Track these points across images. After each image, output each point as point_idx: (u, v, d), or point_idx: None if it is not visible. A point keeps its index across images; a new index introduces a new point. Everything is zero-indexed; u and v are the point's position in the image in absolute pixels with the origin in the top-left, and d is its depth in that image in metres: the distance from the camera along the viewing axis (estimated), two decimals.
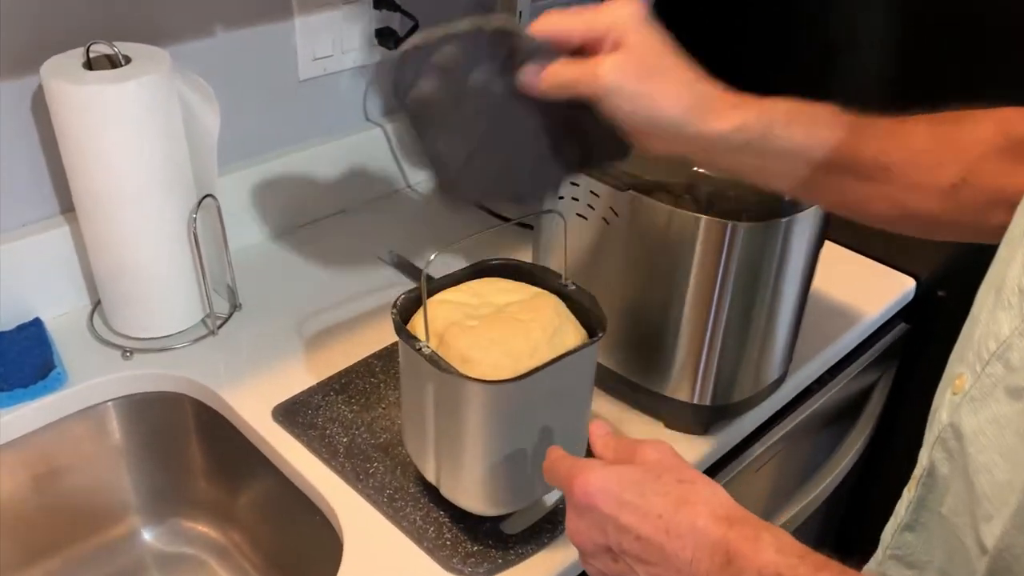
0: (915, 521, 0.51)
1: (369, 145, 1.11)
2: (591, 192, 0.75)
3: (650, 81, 0.54)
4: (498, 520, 0.69)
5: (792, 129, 0.56)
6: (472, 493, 0.66)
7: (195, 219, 0.84)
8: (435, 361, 0.61)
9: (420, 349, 0.62)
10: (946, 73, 0.97)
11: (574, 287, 0.69)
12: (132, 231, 0.81)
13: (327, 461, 0.74)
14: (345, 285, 0.98)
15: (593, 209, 0.75)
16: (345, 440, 0.76)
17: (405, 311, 0.66)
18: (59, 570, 0.88)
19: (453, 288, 0.69)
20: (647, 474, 0.49)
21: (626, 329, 0.78)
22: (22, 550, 0.86)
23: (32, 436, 0.81)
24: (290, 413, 0.79)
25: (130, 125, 0.76)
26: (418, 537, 0.67)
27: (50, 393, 0.81)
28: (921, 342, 1.07)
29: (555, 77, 0.55)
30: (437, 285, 0.69)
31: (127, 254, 0.82)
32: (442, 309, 0.65)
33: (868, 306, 0.99)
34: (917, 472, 0.51)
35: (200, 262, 0.86)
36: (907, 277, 1.04)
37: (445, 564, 0.65)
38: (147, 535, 0.93)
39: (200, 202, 0.84)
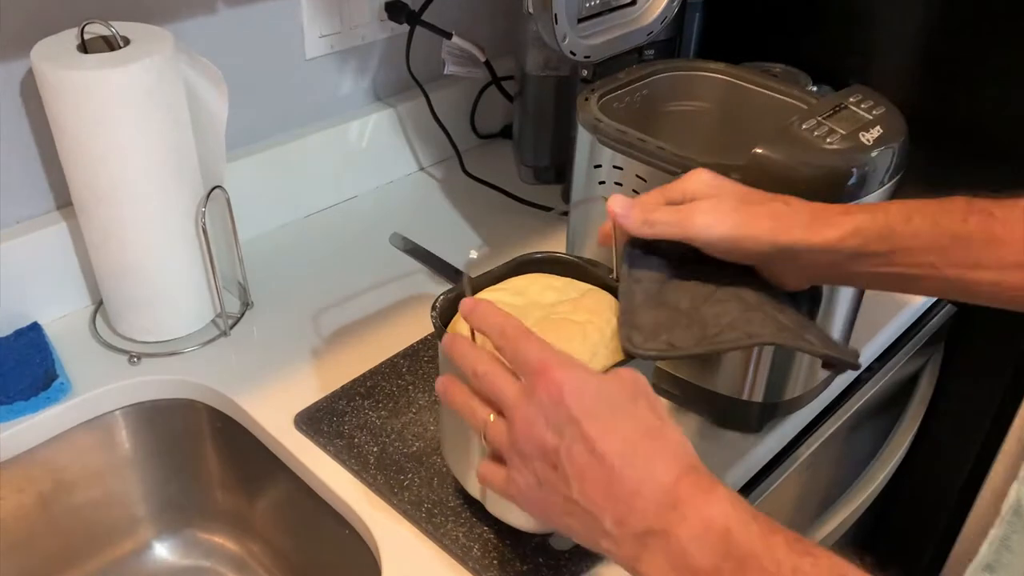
0: (996, 562, 0.47)
1: (380, 126, 1.05)
2: (637, 176, 0.69)
3: (742, 211, 0.57)
4: (546, 535, 0.63)
5: (914, 223, 0.55)
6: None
7: (204, 213, 0.78)
8: None
9: None
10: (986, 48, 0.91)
11: None
12: (136, 228, 0.75)
13: (357, 474, 0.69)
14: (360, 276, 0.92)
15: (638, 194, 0.69)
16: (375, 450, 0.71)
17: (445, 314, 0.61)
18: None
19: (494, 287, 0.63)
20: (623, 392, 0.47)
21: None
22: (29, 569, 0.81)
23: (35, 451, 0.76)
24: (314, 421, 0.73)
25: (132, 113, 0.70)
26: (462, 556, 0.62)
27: (53, 404, 0.75)
28: (967, 323, 1.01)
29: (655, 223, 0.58)
30: (476, 284, 0.63)
31: (131, 253, 0.76)
32: None
33: None
34: (1004, 507, 0.46)
35: (210, 259, 0.80)
36: None
37: None
38: (160, 548, 0.87)
39: (209, 194, 0.78)
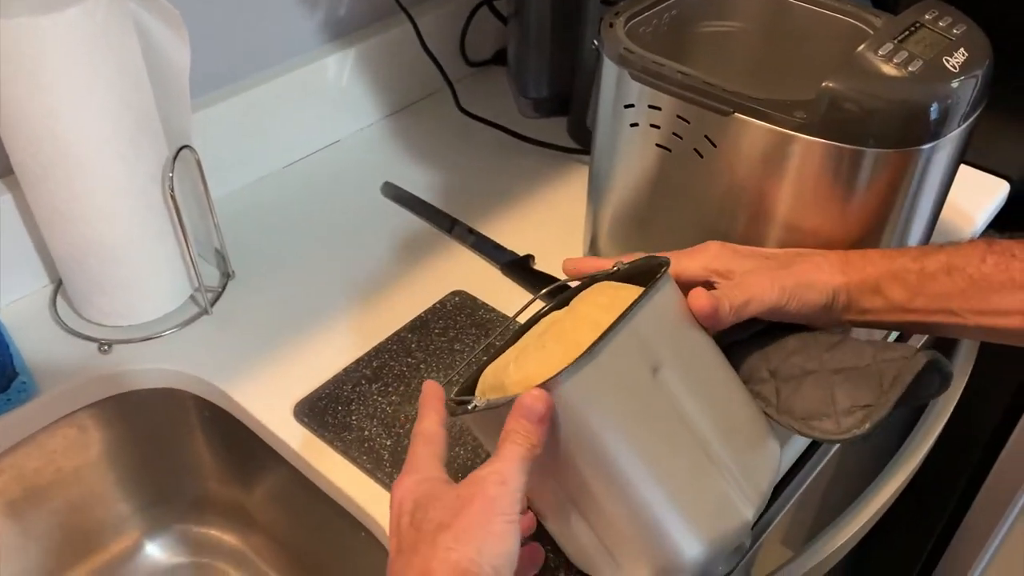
0: None
1: (359, 60, 0.93)
2: (679, 117, 0.59)
3: (792, 267, 0.55)
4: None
5: (927, 267, 0.52)
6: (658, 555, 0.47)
7: (171, 178, 0.67)
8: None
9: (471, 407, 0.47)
10: None
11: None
12: (93, 202, 0.64)
13: (371, 472, 0.61)
14: (351, 233, 0.82)
15: (681, 139, 0.60)
16: (389, 443, 0.62)
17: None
18: None
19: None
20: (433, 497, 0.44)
21: None
22: None
23: (1, 458, 0.67)
24: (317, 411, 0.64)
25: (76, 67, 0.59)
26: None
27: (15, 407, 0.65)
28: None
29: (736, 309, 0.53)
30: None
31: (90, 230, 0.65)
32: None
33: (960, 218, 0.85)
34: None
35: (182, 228, 0.70)
36: (998, 179, 0.90)
37: None
38: (152, 547, 0.79)
39: (175, 156, 0.67)
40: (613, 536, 0.47)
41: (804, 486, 0.67)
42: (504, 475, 0.42)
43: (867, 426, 0.48)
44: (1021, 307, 0.51)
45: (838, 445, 0.72)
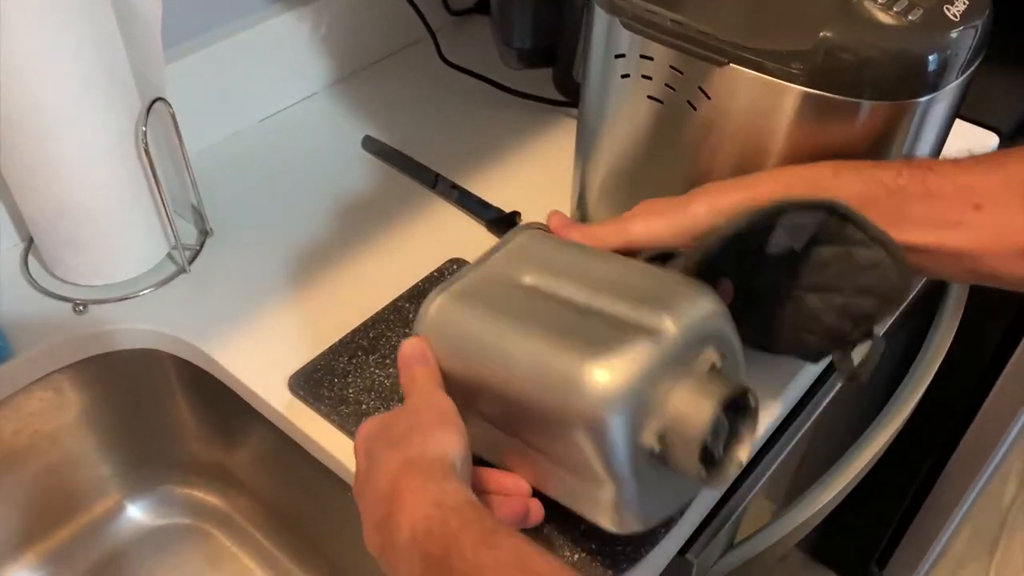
0: None
1: (334, 12, 0.90)
2: (672, 68, 0.57)
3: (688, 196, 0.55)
4: None
5: (843, 177, 0.51)
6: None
7: (144, 132, 0.64)
8: None
9: None
10: None
11: None
12: (64, 157, 0.62)
13: None
14: (331, 190, 0.80)
15: (673, 90, 0.58)
16: None
17: None
18: (39, 564, 0.74)
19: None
20: (387, 420, 0.47)
21: None
22: None
23: None
24: (312, 384, 0.62)
25: (43, 16, 0.56)
26: None
27: None
28: None
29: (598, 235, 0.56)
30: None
31: (63, 188, 0.63)
32: None
33: None
34: None
35: (157, 184, 0.68)
36: (987, 132, 0.89)
37: None
38: (134, 509, 0.78)
39: (149, 109, 0.65)
40: (543, 434, 0.47)
41: (791, 445, 0.67)
42: (422, 392, 0.47)
43: None
44: (936, 219, 0.49)
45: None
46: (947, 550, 1.44)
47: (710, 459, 0.45)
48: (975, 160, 0.51)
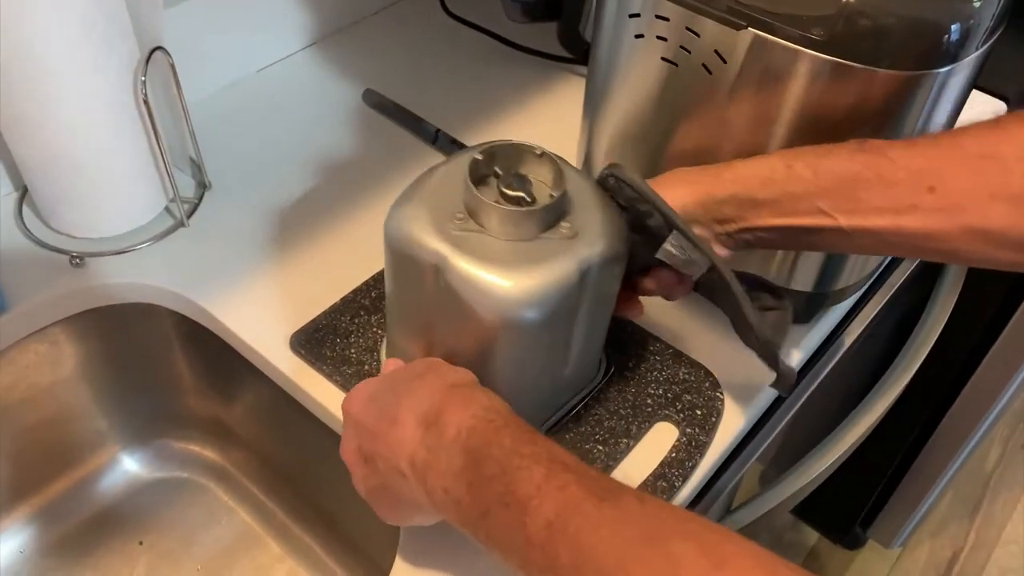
0: None
1: None
2: (688, 29, 0.56)
3: None
4: None
5: (795, 169, 0.50)
6: None
7: (143, 81, 0.63)
8: None
9: None
10: None
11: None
12: (61, 106, 0.60)
13: None
14: (331, 144, 0.79)
15: (689, 53, 0.57)
16: None
17: None
18: (36, 515, 0.74)
19: None
20: (397, 372, 0.50)
21: None
22: None
23: None
24: (314, 343, 0.61)
25: None
26: None
27: None
28: None
29: None
30: None
31: (59, 137, 0.61)
32: None
33: None
34: None
35: (156, 135, 0.66)
36: (995, 99, 0.88)
37: None
38: (130, 461, 0.78)
39: (148, 59, 0.63)
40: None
41: (789, 414, 0.67)
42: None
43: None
44: (891, 204, 0.48)
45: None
46: (930, 512, 1.47)
47: None
48: (930, 140, 0.50)
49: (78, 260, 0.67)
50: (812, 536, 1.50)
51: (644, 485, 0.55)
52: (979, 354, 1.09)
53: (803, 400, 0.68)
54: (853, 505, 1.40)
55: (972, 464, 1.56)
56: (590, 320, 0.53)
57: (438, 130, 0.80)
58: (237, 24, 0.82)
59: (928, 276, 0.91)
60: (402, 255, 0.50)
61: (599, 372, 0.61)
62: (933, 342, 0.85)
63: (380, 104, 0.84)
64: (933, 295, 0.90)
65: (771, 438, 0.65)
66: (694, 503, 0.60)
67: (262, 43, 0.86)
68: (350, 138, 0.80)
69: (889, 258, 0.74)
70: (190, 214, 0.71)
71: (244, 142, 0.78)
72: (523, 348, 0.50)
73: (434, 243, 0.48)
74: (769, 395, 0.63)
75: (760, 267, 0.64)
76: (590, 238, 0.49)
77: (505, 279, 0.47)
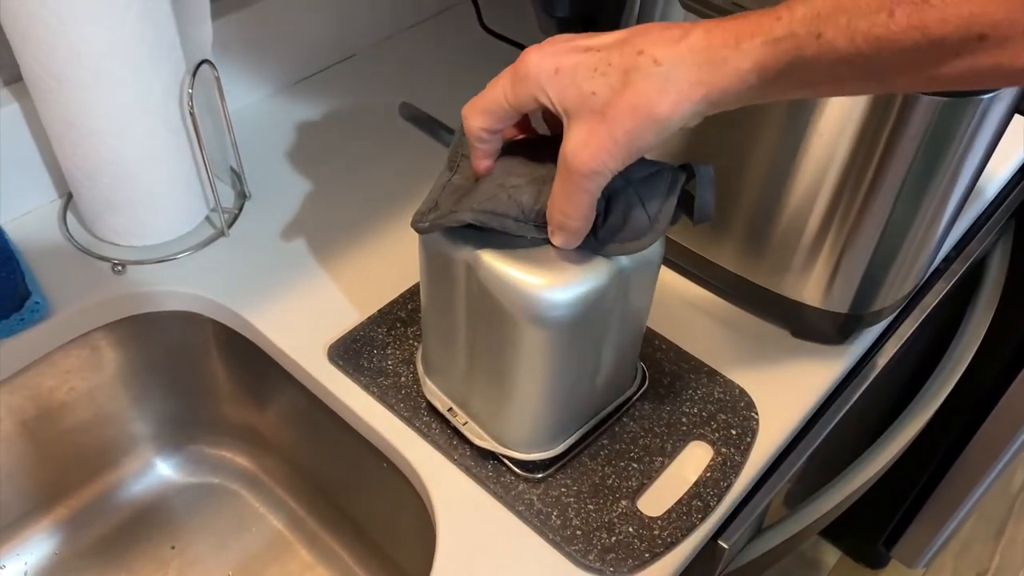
0: None
1: None
2: None
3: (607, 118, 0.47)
4: (631, 498, 0.55)
5: (827, 37, 0.40)
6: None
7: (191, 94, 0.64)
8: None
9: None
10: None
11: None
12: (108, 115, 0.61)
13: (408, 421, 0.59)
14: (368, 155, 0.80)
15: None
16: None
17: None
18: (71, 517, 0.75)
19: None
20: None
21: (749, 218, 0.62)
22: (25, 500, 0.72)
23: (13, 378, 0.65)
24: (352, 354, 0.62)
25: None
26: (540, 525, 0.53)
27: (28, 327, 0.64)
28: None
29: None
30: None
31: (105, 145, 0.62)
32: None
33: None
34: None
35: (200, 147, 0.67)
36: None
37: (579, 562, 0.52)
38: (163, 466, 0.79)
39: (195, 71, 0.64)
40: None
41: (823, 435, 0.67)
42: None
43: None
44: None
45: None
46: (955, 533, 1.46)
47: None
48: None
49: (120, 267, 0.68)
50: (834, 554, 1.49)
51: (679, 504, 0.55)
52: (1010, 375, 1.09)
53: (836, 421, 0.67)
54: (877, 524, 1.39)
55: (998, 486, 1.54)
56: (622, 324, 0.53)
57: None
58: (276, 38, 0.83)
59: (962, 297, 0.91)
60: (436, 253, 0.50)
61: (634, 383, 0.61)
62: (967, 363, 0.85)
63: (415, 117, 0.84)
64: (967, 316, 0.89)
65: (804, 458, 0.64)
66: (727, 523, 0.60)
67: (300, 56, 0.87)
68: (386, 150, 0.80)
69: (924, 279, 0.74)
70: (230, 224, 0.72)
71: (283, 153, 0.79)
72: (554, 349, 0.50)
73: (466, 240, 0.48)
74: (804, 415, 0.63)
75: (793, 290, 0.64)
76: None
77: (536, 276, 0.47)
